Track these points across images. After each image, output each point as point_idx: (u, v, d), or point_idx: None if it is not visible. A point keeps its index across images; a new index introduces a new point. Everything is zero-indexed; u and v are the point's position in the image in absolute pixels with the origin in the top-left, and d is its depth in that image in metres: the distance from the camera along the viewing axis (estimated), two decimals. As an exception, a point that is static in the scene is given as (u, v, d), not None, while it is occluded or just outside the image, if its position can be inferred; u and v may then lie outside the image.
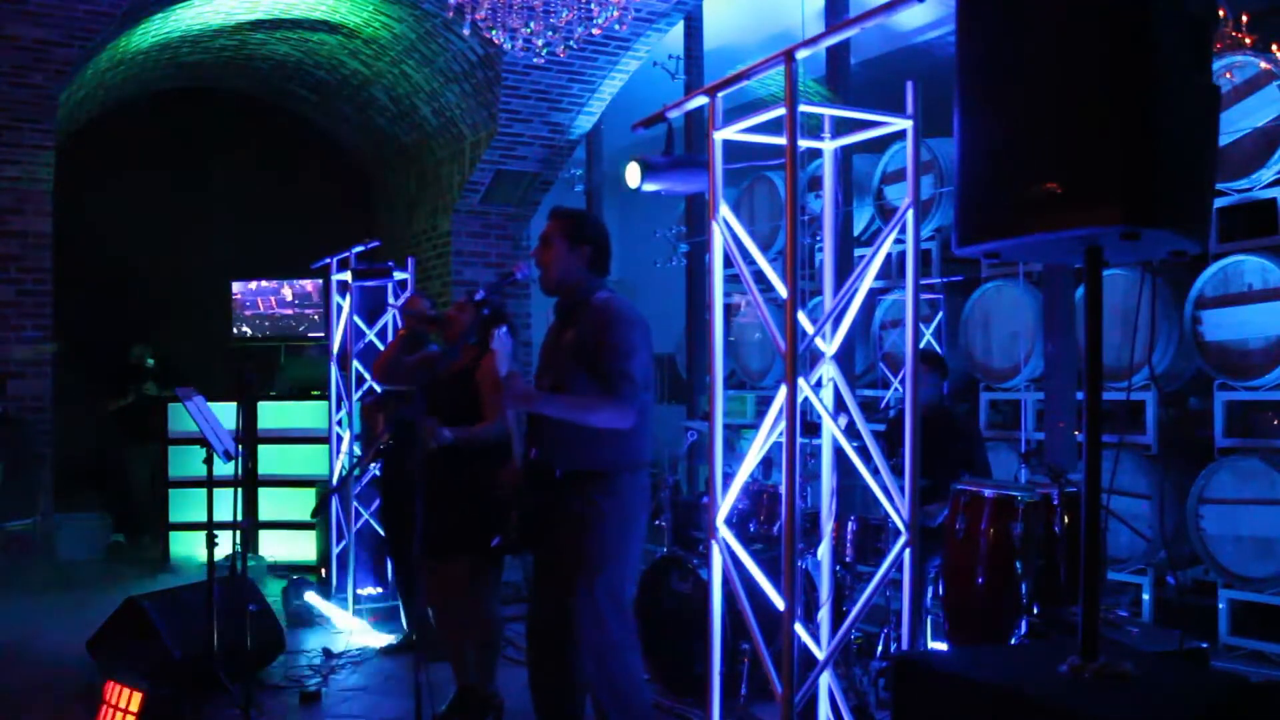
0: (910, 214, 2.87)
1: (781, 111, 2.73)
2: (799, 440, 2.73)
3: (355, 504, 6.24)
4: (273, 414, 7.75)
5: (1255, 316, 5.08)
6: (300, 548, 7.48)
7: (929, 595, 4.57)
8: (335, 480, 6.57)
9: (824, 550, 3.25)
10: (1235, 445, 5.21)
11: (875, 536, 4.37)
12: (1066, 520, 3.82)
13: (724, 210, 3.01)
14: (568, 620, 3.23)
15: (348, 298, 6.42)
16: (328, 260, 6.73)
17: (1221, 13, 5.18)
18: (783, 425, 2.73)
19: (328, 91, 9.27)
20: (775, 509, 4.56)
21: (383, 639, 5.51)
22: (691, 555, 4.47)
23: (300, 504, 7.38)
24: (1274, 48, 5.20)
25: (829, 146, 3.18)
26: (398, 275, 6.38)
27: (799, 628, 2.80)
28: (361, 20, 7.84)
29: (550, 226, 3.40)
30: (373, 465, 6.35)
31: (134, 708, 3.80)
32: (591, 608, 3.19)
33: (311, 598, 6.12)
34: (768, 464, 5.05)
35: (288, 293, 8.40)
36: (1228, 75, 5.11)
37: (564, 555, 3.26)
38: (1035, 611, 3.79)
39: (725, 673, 3.22)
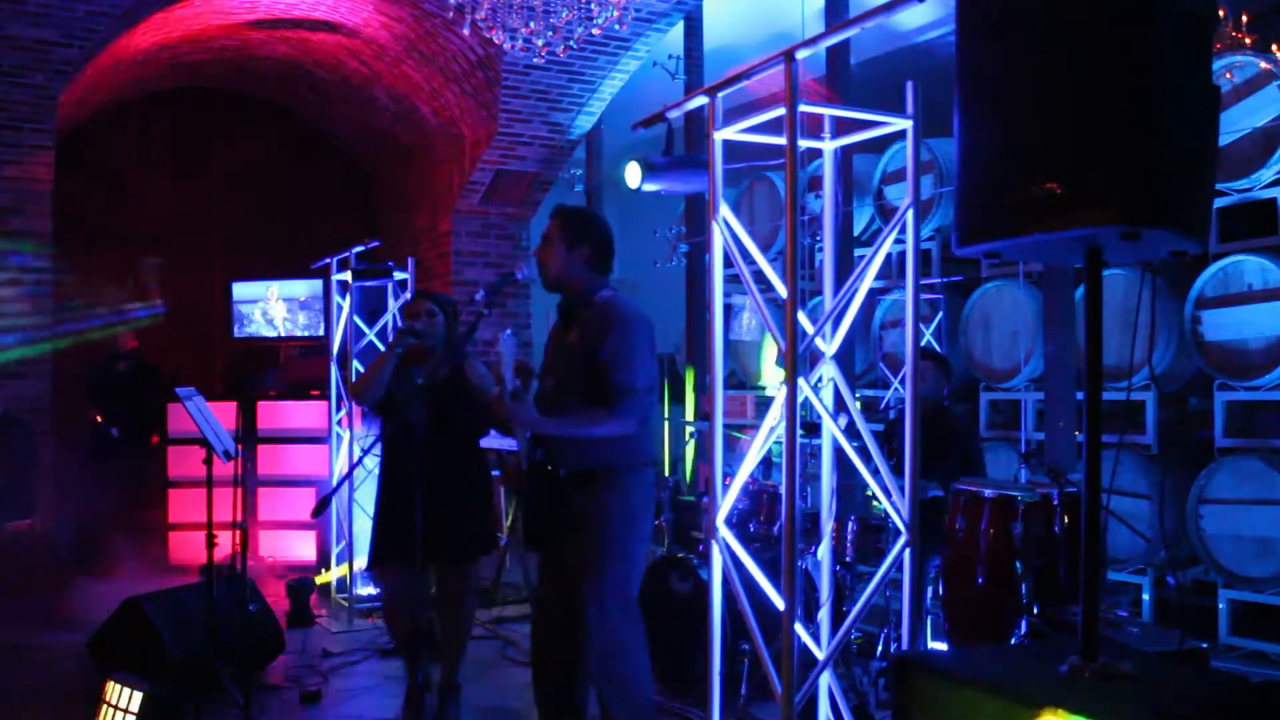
0: (910, 214, 2.87)
1: (781, 111, 2.73)
2: (799, 440, 2.73)
3: (355, 504, 6.23)
4: (273, 414, 7.74)
5: (1255, 316, 5.08)
6: (300, 548, 7.48)
7: (929, 595, 4.57)
8: (335, 480, 6.56)
9: (824, 550, 3.26)
10: (1235, 445, 5.21)
11: (875, 536, 4.37)
12: (1066, 520, 3.83)
13: (724, 210, 3.01)
14: (574, 619, 3.23)
15: (348, 298, 6.42)
16: (328, 260, 6.73)
17: (1221, 13, 5.18)
18: (783, 425, 2.73)
19: (328, 91, 9.26)
20: (775, 509, 4.56)
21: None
22: (691, 555, 4.47)
23: (300, 504, 7.38)
24: (1274, 48, 5.20)
25: (829, 146, 3.18)
26: (398, 275, 6.38)
27: (799, 628, 2.80)
28: (361, 20, 7.83)
29: (551, 225, 3.41)
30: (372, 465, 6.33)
31: (134, 708, 3.80)
32: (598, 606, 3.20)
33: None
34: (768, 464, 5.06)
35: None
36: (1228, 75, 5.11)
37: (570, 554, 3.26)
38: (1035, 611, 3.79)
39: (725, 673, 3.22)
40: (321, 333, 8.03)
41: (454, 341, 4.03)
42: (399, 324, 6.44)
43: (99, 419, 7.42)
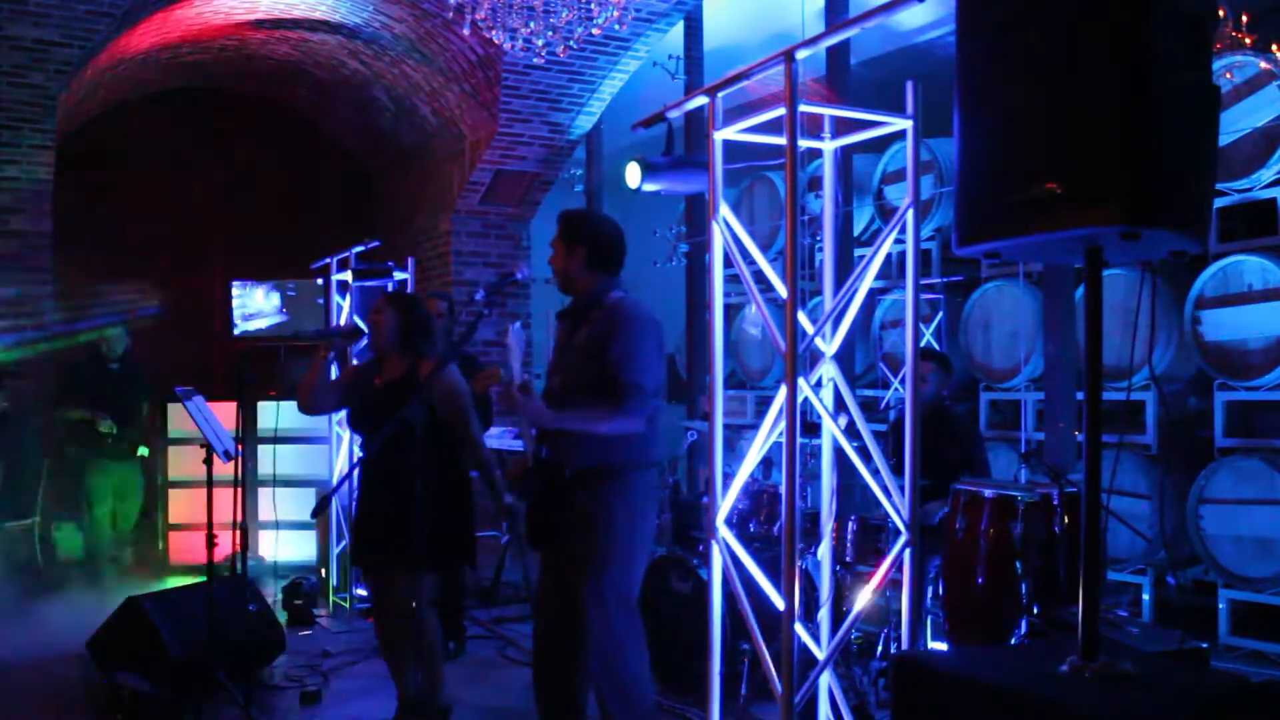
0: (910, 214, 2.88)
1: (781, 111, 2.74)
2: (799, 440, 2.73)
3: (355, 504, 6.23)
4: (273, 414, 7.73)
5: (1255, 316, 5.08)
6: (300, 548, 7.48)
7: (929, 595, 4.57)
8: (335, 480, 6.57)
9: (824, 550, 3.26)
10: (1235, 445, 5.21)
11: (875, 536, 4.37)
12: (1066, 520, 3.82)
13: (724, 210, 3.01)
14: (574, 618, 3.23)
15: (348, 298, 6.42)
16: (328, 260, 6.73)
17: (1221, 13, 5.18)
18: (783, 425, 2.73)
19: (328, 91, 9.26)
20: (775, 509, 4.56)
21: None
22: (691, 555, 4.47)
23: (300, 504, 7.37)
24: (1274, 48, 5.20)
25: (829, 146, 3.18)
26: (398, 275, 6.38)
27: (799, 628, 2.80)
28: (361, 20, 7.84)
29: (556, 230, 3.43)
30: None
31: (134, 708, 3.80)
32: (599, 606, 3.20)
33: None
34: (768, 464, 5.05)
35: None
36: (1228, 75, 5.11)
37: (572, 553, 3.26)
38: (1035, 611, 3.79)
39: (725, 673, 3.22)
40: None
41: (410, 336, 3.96)
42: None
43: (90, 418, 7.27)
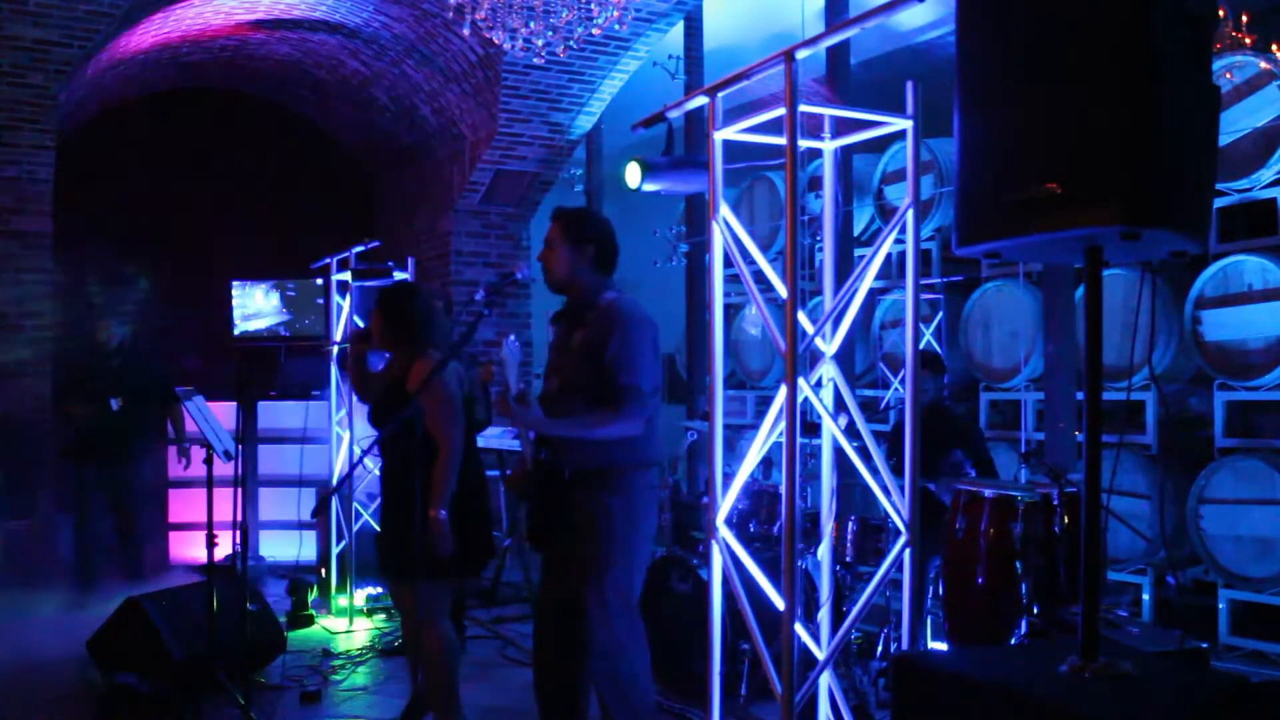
0: (910, 214, 2.88)
1: (781, 111, 2.73)
2: (799, 440, 2.73)
3: (355, 504, 6.24)
4: (273, 414, 7.74)
5: (1255, 316, 5.08)
6: (300, 548, 7.48)
7: (929, 595, 4.57)
8: (335, 480, 6.56)
9: (824, 550, 3.26)
10: (1235, 445, 5.21)
11: (875, 536, 4.37)
12: (1066, 520, 3.83)
13: (724, 210, 3.01)
14: (575, 619, 3.23)
15: (348, 298, 6.42)
16: (328, 260, 6.73)
17: (1221, 13, 5.18)
18: (783, 425, 2.73)
19: (328, 91, 9.26)
20: (775, 509, 4.56)
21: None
22: (691, 555, 4.47)
23: (300, 504, 7.37)
24: (1274, 48, 5.20)
25: (829, 146, 3.18)
26: (398, 275, 6.38)
27: (799, 628, 2.80)
28: (361, 20, 7.84)
29: (553, 228, 3.39)
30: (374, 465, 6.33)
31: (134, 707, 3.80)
32: (600, 607, 3.20)
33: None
34: (768, 464, 5.06)
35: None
36: (1228, 75, 5.11)
37: (573, 554, 3.26)
38: (1035, 611, 3.79)
39: (725, 673, 3.22)
40: (321, 332, 8.02)
41: (403, 330, 3.84)
42: None
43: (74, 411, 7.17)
